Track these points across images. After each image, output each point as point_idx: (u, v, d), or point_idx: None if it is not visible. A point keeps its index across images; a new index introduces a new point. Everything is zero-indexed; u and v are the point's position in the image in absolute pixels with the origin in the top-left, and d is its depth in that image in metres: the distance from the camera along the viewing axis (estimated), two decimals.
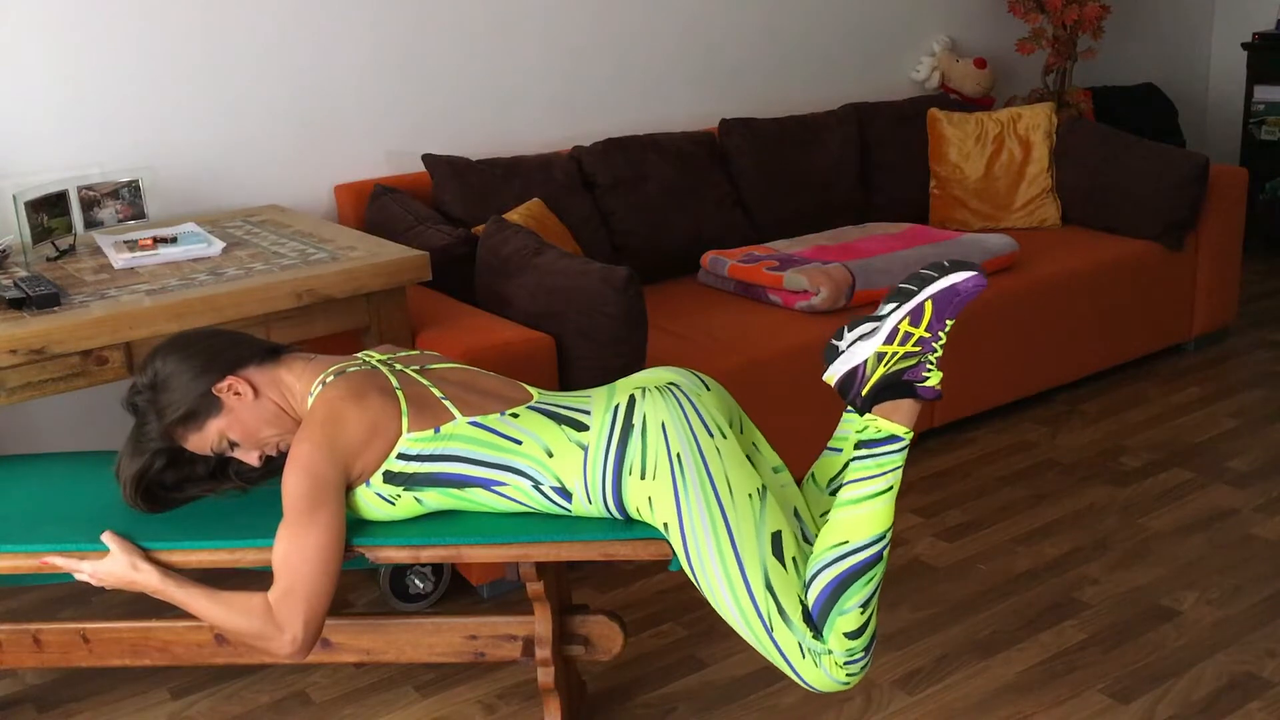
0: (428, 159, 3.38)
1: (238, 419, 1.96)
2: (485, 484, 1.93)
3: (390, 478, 1.92)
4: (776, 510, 1.86)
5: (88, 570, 1.95)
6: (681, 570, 1.90)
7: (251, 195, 3.29)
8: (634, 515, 1.92)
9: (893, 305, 1.83)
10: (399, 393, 1.94)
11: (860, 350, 1.86)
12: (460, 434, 1.92)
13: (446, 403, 1.95)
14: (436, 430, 1.92)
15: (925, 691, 2.39)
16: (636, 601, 2.74)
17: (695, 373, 2.03)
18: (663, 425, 1.87)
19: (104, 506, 2.08)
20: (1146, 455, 3.42)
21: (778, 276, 3.32)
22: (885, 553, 1.82)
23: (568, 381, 2.67)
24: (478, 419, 1.93)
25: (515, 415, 1.95)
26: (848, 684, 1.83)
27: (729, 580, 1.82)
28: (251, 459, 2.00)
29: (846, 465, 1.95)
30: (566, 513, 1.95)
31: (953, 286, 1.80)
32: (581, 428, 1.92)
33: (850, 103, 4.21)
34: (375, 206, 3.24)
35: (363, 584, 2.86)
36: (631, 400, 1.91)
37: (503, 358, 2.53)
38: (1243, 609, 2.63)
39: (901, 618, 2.64)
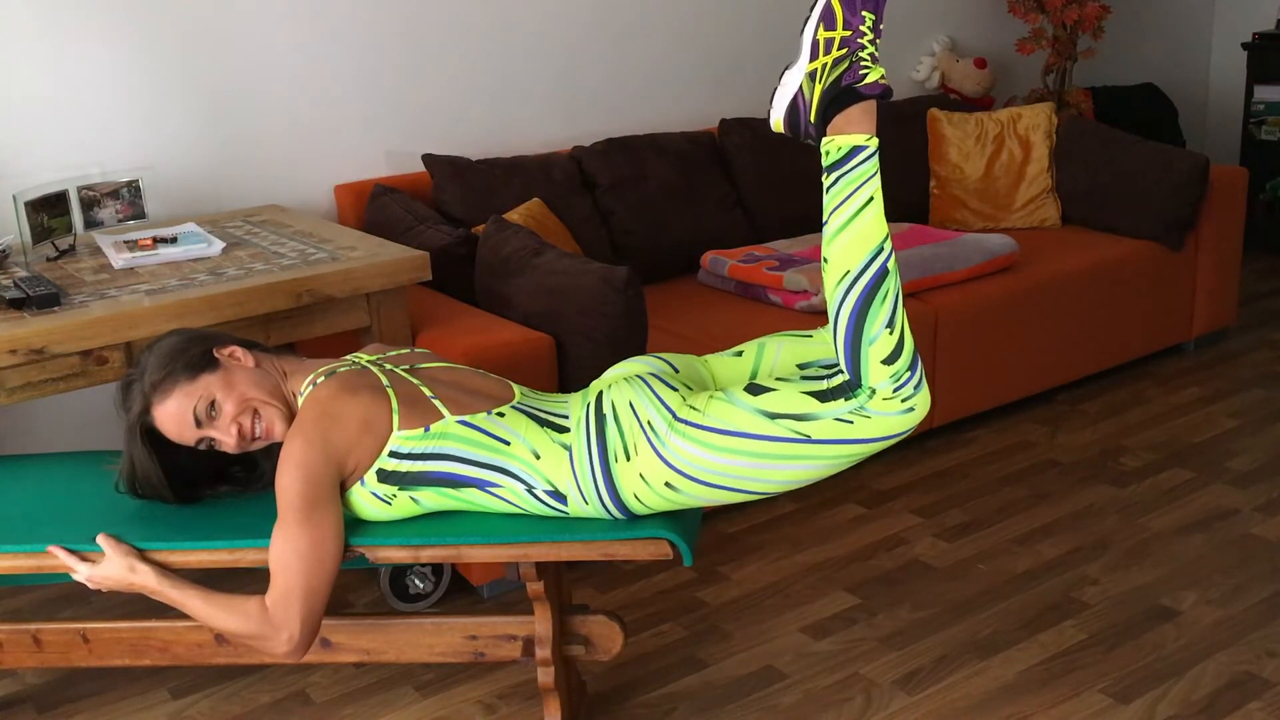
0: (428, 159, 3.38)
1: (231, 379, 1.94)
2: (480, 484, 1.93)
3: (384, 476, 1.92)
4: (742, 381, 1.86)
5: (84, 573, 1.95)
6: (689, 569, 1.90)
7: (251, 195, 3.29)
8: (632, 507, 1.92)
9: (805, 25, 1.80)
10: (390, 391, 1.94)
11: (791, 79, 1.82)
12: (450, 433, 1.92)
13: (436, 402, 1.95)
14: (426, 429, 1.92)
15: (925, 691, 2.39)
16: (636, 601, 2.74)
17: (662, 356, 2.04)
18: (630, 404, 1.89)
19: (104, 506, 2.08)
20: (1146, 455, 3.41)
21: (778, 276, 3.32)
22: (890, 265, 1.76)
23: (568, 382, 2.67)
24: (466, 418, 1.94)
25: (501, 414, 1.96)
26: (913, 411, 1.77)
27: (742, 453, 1.81)
28: (229, 437, 1.95)
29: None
30: (564, 515, 1.95)
31: None
32: (562, 430, 1.93)
33: None
34: (375, 206, 3.24)
35: (363, 584, 2.86)
36: (600, 395, 1.94)
37: (503, 358, 2.53)
38: (1243, 609, 2.63)
39: (901, 618, 2.64)
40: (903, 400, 1.77)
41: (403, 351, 2.12)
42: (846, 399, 1.78)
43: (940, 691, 2.39)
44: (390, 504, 1.95)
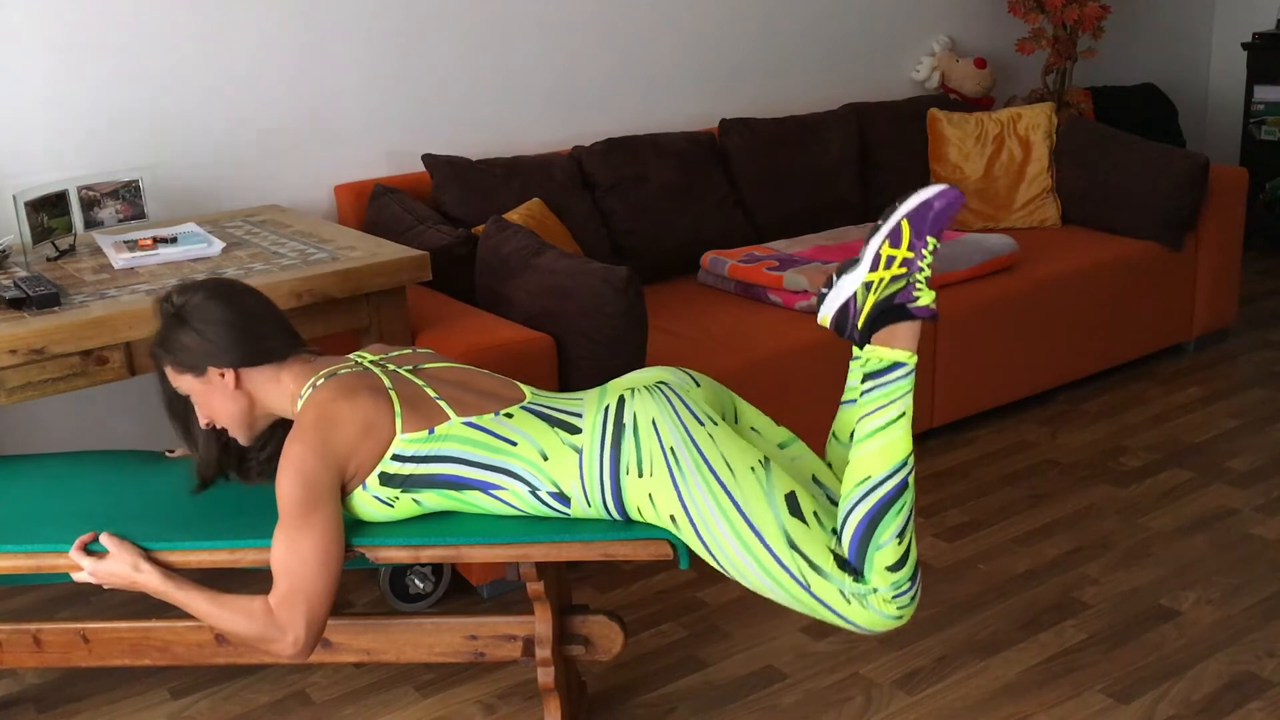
0: (428, 159, 3.38)
1: (207, 393, 1.97)
2: (482, 486, 1.93)
3: (386, 480, 1.92)
4: (784, 475, 1.86)
5: (88, 568, 1.95)
6: (688, 569, 1.90)
7: (251, 195, 3.29)
8: (635, 516, 1.92)
9: (871, 236, 1.85)
10: (392, 393, 1.93)
11: (847, 283, 1.88)
12: (455, 434, 1.92)
13: (441, 403, 1.94)
14: (431, 431, 1.91)
15: (925, 691, 2.39)
16: (636, 601, 2.74)
17: (685, 370, 2.04)
18: (653, 422, 1.88)
19: (104, 507, 2.09)
20: (1146, 455, 3.42)
21: (778, 276, 3.32)
22: (910, 479, 1.82)
23: (568, 381, 2.67)
24: (472, 419, 1.93)
25: (509, 415, 1.95)
26: (901, 617, 1.82)
27: (750, 553, 1.82)
28: (201, 419, 2.02)
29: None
30: (565, 516, 1.95)
31: (925, 202, 1.82)
32: (574, 430, 1.92)
33: (850, 103, 4.22)
34: (375, 206, 3.24)
35: (363, 584, 2.86)
36: (621, 401, 1.92)
37: (503, 358, 2.53)
38: (1243, 609, 2.63)
39: None
40: (897, 607, 1.82)
41: (405, 351, 2.12)
42: (855, 580, 1.81)
43: (940, 691, 2.39)
44: (393, 506, 1.95)
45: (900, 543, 1.80)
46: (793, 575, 1.82)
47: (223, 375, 1.95)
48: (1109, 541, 2.95)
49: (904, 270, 1.84)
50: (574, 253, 3.06)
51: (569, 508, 1.93)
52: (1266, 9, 5.48)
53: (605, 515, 1.93)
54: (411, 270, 2.51)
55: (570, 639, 2.17)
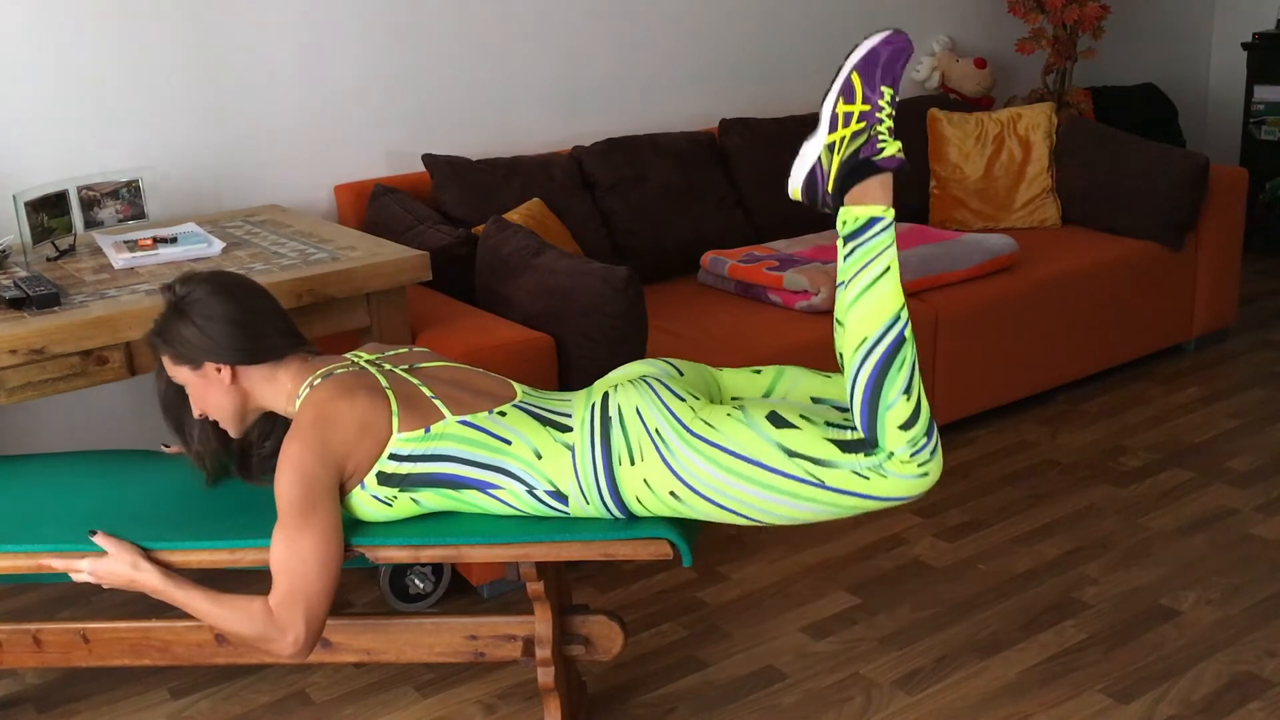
0: (428, 159, 3.38)
1: (202, 386, 1.98)
2: (480, 486, 1.93)
3: (384, 479, 1.92)
4: (760, 405, 1.86)
5: (87, 568, 1.95)
6: (690, 569, 1.90)
7: (251, 195, 3.29)
8: (634, 509, 1.92)
9: (825, 97, 1.82)
10: (389, 392, 1.94)
11: (809, 150, 1.85)
12: (451, 433, 1.92)
13: (437, 402, 1.95)
14: (427, 430, 1.92)
15: (925, 691, 2.39)
16: (636, 601, 2.74)
17: (668, 360, 2.05)
18: (637, 409, 1.89)
19: (104, 507, 2.09)
20: (1146, 455, 3.42)
21: (778, 276, 3.32)
22: (907, 333, 1.79)
23: (567, 381, 2.67)
24: (468, 418, 1.94)
25: (503, 414, 1.96)
26: (927, 474, 1.81)
27: (756, 483, 1.82)
28: (195, 410, 2.03)
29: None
30: (564, 515, 1.95)
31: (871, 50, 1.79)
32: (565, 429, 1.93)
33: None
34: (375, 206, 3.24)
35: (363, 584, 2.86)
36: (605, 396, 1.93)
37: (502, 358, 2.53)
38: (1243, 609, 2.63)
39: (901, 618, 2.64)
40: (919, 465, 1.80)
41: (401, 351, 2.12)
42: (867, 454, 1.80)
43: (940, 691, 2.39)
44: (391, 505, 1.95)
45: (909, 398, 1.78)
46: (804, 480, 1.80)
47: (219, 371, 1.95)
48: (1109, 541, 2.95)
49: (863, 124, 1.79)
50: (574, 253, 3.06)
51: (567, 506, 1.93)
52: (1266, 9, 5.48)
53: (604, 513, 1.93)
54: (411, 270, 2.51)
55: (570, 639, 2.17)
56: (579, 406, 1.96)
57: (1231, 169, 4.08)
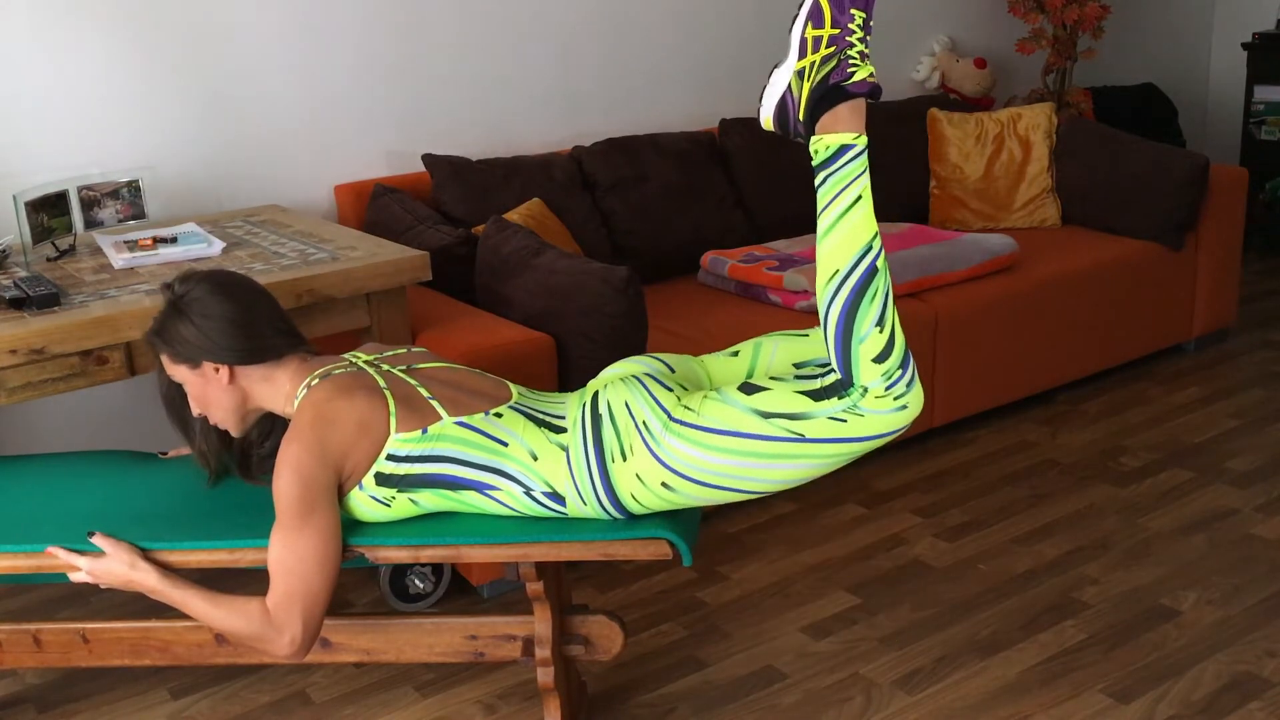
0: (428, 159, 3.38)
1: (200, 385, 1.98)
2: (478, 487, 1.93)
3: (382, 479, 1.92)
4: (734, 380, 1.86)
5: (85, 567, 1.95)
6: (689, 568, 1.90)
7: (251, 195, 3.29)
8: (630, 507, 1.92)
9: (793, 24, 1.79)
10: (386, 392, 1.94)
11: (779, 77, 1.82)
12: (448, 434, 1.92)
13: (434, 403, 1.95)
14: (424, 431, 1.92)
15: (925, 691, 2.39)
16: (636, 601, 2.74)
17: (658, 356, 2.05)
18: (626, 404, 1.89)
19: (104, 507, 2.09)
20: (1146, 455, 3.42)
21: (778, 276, 3.32)
22: (879, 264, 1.76)
23: (567, 382, 2.67)
24: (464, 419, 1.94)
25: (499, 415, 1.96)
26: (906, 407, 1.77)
27: (737, 453, 1.82)
28: (193, 408, 2.03)
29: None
30: (562, 516, 1.95)
31: None
32: (559, 430, 1.93)
33: None
34: (375, 206, 3.24)
35: (363, 584, 2.86)
36: (595, 395, 1.94)
37: (503, 358, 2.53)
38: (1243, 609, 2.63)
39: (901, 618, 2.64)
40: (895, 398, 1.77)
41: (400, 351, 2.12)
42: (840, 397, 1.78)
43: (940, 691, 2.39)
44: (389, 506, 1.95)
45: (881, 331, 1.75)
46: (784, 439, 1.79)
47: (217, 370, 1.96)
48: (1109, 541, 2.95)
49: (833, 49, 1.75)
50: (574, 253, 3.06)
51: (564, 507, 1.93)
52: (1266, 9, 5.48)
53: (601, 513, 1.93)
54: (411, 270, 2.51)
55: (570, 639, 2.17)
56: (572, 408, 1.97)
57: (1231, 169, 4.08)
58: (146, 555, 1.95)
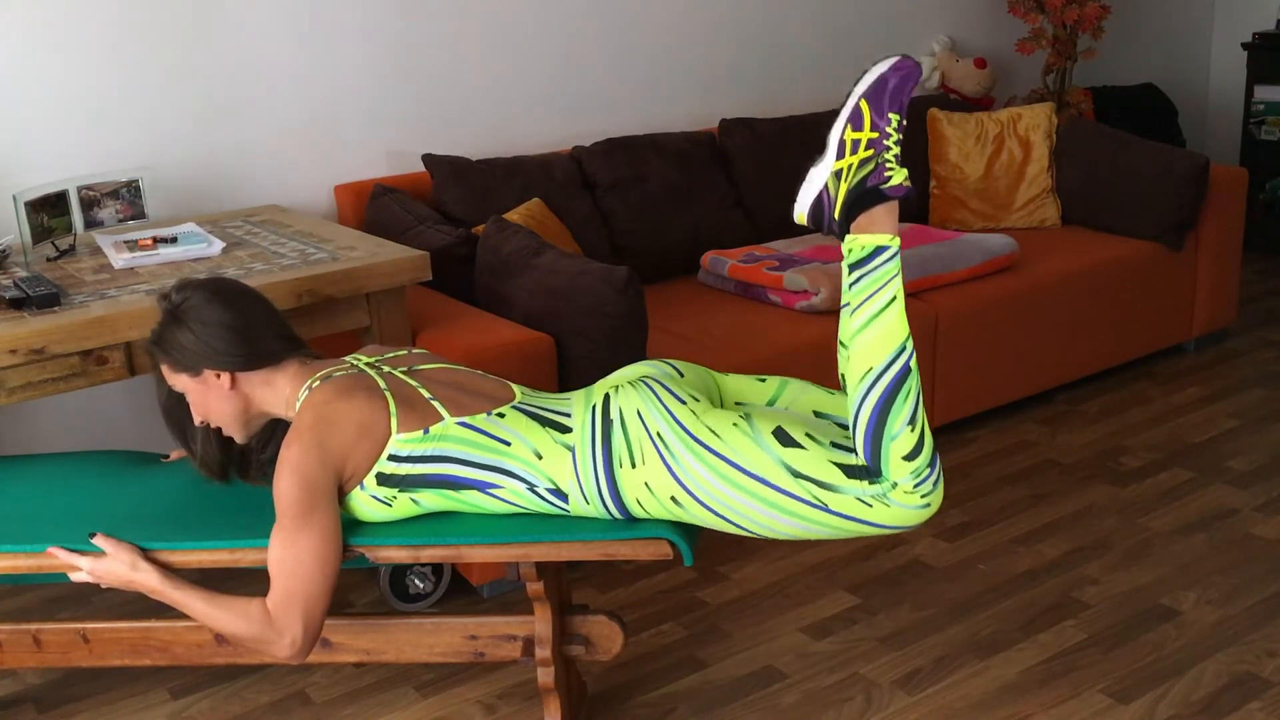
0: (428, 159, 3.38)
1: (202, 393, 1.98)
2: (480, 486, 1.93)
3: (383, 480, 1.92)
4: (767, 417, 1.86)
5: (86, 567, 1.96)
6: (690, 569, 1.90)
7: (251, 195, 3.29)
8: (634, 511, 1.92)
9: (834, 124, 1.82)
10: (387, 393, 1.94)
11: (817, 176, 1.85)
12: (449, 435, 1.92)
13: (435, 403, 1.95)
14: (425, 431, 1.92)
15: (925, 691, 2.39)
16: (636, 601, 2.74)
17: (668, 361, 2.05)
18: (638, 412, 1.89)
19: (104, 507, 2.09)
20: (1146, 455, 3.42)
21: (778, 276, 3.32)
22: (912, 364, 1.79)
23: (567, 382, 2.67)
24: (466, 419, 1.94)
25: (501, 415, 1.96)
26: (929, 505, 1.81)
27: (759, 499, 1.82)
28: (196, 417, 2.04)
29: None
30: (565, 513, 1.95)
31: (880, 78, 1.78)
32: (565, 430, 1.93)
33: None
34: (375, 206, 3.24)
35: (363, 584, 2.86)
36: (607, 398, 1.93)
37: (503, 358, 2.53)
38: (1243, 609, 2.63)
39: (901, 618, 2.64)
40: (921, 496, 1.80)
41: (400, 353, 2.12)
42: (871, 482, 1.80)
43: (940, 691, 2.39)
44: (390, 505, 1.95)
45: (913, 430, 1.78)
46: (808, 502, 1.81)
47: (219, 377, 1.95)
48: (1109, 541, 2.95)
49: (871, 152, 1.79)
50: (574, 253, 3.06)
51: (567, 504, 1.93)
52: (1266, 9, 5.48)
53: (604, 513, 1.93)
54: (411, 270, 2.51)
55: (570, 639, 2.17)
56: (578, 407, 1.96)
57: (1231, 169, 4.08)
58: (147, 555, 1.96)
